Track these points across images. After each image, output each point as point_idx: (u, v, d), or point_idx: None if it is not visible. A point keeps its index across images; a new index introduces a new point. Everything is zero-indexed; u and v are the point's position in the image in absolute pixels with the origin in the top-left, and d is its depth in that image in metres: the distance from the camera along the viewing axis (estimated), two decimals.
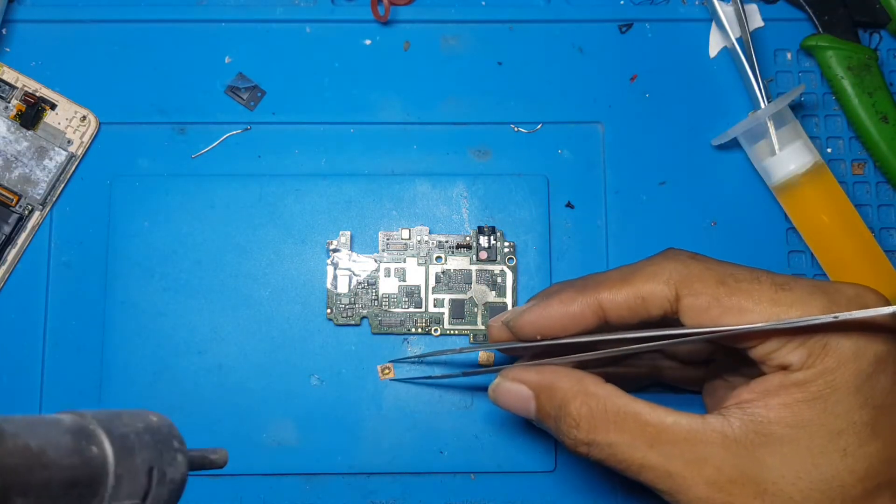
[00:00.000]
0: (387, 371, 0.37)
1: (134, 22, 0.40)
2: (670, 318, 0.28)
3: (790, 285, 0.26)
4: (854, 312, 0.24)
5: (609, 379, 0.35)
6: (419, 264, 0.38)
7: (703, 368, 0.35)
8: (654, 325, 0.28)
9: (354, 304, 0.38)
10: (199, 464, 0.22)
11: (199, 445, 0.37)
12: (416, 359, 0.37)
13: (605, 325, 0.29)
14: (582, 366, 0.30)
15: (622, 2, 0.41)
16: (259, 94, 0.40)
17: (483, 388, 0.37)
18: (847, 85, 0.39)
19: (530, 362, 0.31)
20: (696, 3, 0.41)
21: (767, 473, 0.25)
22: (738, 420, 0.26)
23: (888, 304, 0.26)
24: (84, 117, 0.39)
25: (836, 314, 0.24)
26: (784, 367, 0.26)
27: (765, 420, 0.26)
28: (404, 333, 0.38)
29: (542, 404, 0.29)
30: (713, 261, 0.28)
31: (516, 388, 0.30)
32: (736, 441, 0.26)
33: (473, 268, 0.38)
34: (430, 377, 0.37)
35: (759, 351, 0.26)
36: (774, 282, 0.26)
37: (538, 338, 0.30)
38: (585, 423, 0.28)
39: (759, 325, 0.25)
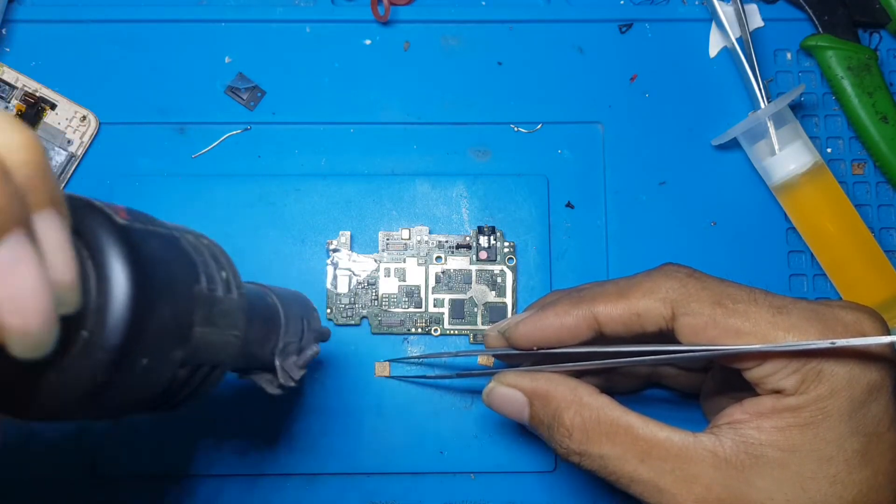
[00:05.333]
0: (382, 369, 0.37)
1: (134, 22, 0.40)
2: (666, 333, 0.28)
3: (787, 309, 0.26)
4: (851, 340, 0.24)
5: (608, 382, 0.35)
6: (419, 264, 0.38)
7: (701, 374, 0.35)
8: (649, 338, 0.28)
9: (354, 304, 0.38)
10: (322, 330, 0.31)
11: (197, 444, 0.38)
12: (416, 360, 0.37)
13: (601, 337, 0.29)
14: (579, 373, 0.31)
15: (622, 2, 0.41)
16: (259, 94, 0.40)
17: (483, 390, 0.37)
18: (847, 85, 0.39)
19: (526, 368, 0.31)
20: (696, 3, 0.41)
21: (756, 495, 0.25)
22: (730, 440, 0.26)
23: (886, 330, 0.26)
24: (84, 117, 0.39)
25: (834, 341, 0.24)
26: (778, 391, 0.26)
27: (756, 442, 0.26)
28: (404, 333, 0.38)
29: (536, 411, 0.29)
30: (710, 279, 0.28)
31: (511, 393, 0.30)
32: (727, 461, 0.26)
33: (473, 268, 0.38)
34: (424, 377, 0.37)
35: (754, 373, 0.26)
36: (772, 304, 0.26)
37: (534, 348, 0.30)
38: (578, 433, 0.28)
39: (756, 346, 0.25)
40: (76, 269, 0.16)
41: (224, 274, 0.22)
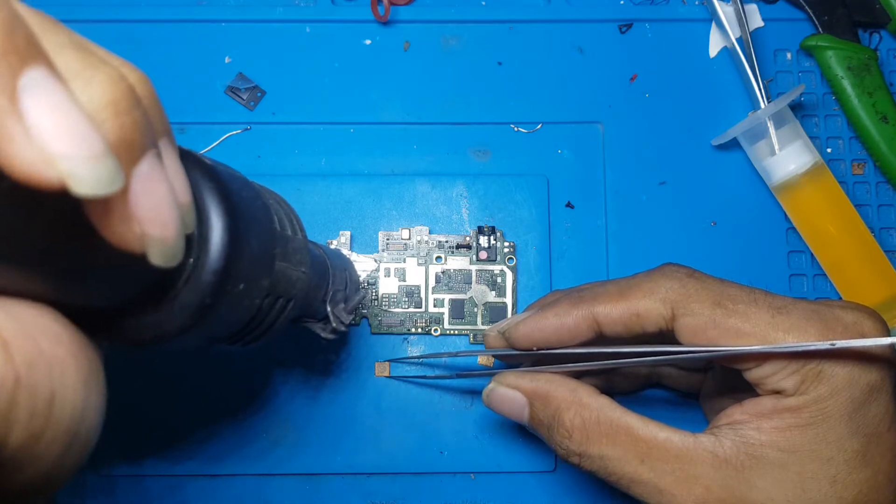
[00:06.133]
0: (382, 369, 0.37)
1: (134, 22, 0.40)
2: (666, 333, 0.28)
3: (787, 309, 0.26)
4: (851, 341, 0.24)
5: (608, 382, 0.35)
6: (419, 264, 0.38)
7: (701, 374, 0.35)
8: (649, 338, 0.28)
9: None
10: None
11: (198, 444, 0.38)
12: (416, 360, 0.37)
13: (601, 337, 0.29)
14: (578, 373, 0.31)
15: (622, 2, 0.41)
16: (259, 94, 0.40)
17: (482, 390, 0.37)
18: (847, 85, 0.39)
19: (526, 368, 0.31)
20: (696, 3, 0.41)
21: (756, 495, 0.26)
22: (730, 441, 0.26)
23: (886, 331, 0.26)
24: None
25: (834, 342, 0.24)
26: (778, 392, 0.26)
27: (756, 442, 0.26)
28: (404, 333, 0.38)
29: (536, 412, 0.29)
30: (710, 279, 0.28)
31: (511, 394, 0.30)
32: (727, 461, 0.26)
33: (473, 268, 0.38)
34: (424, 377, 0.37)
35: (754, 374, 0.26)
36: (772, 305, 0.26)
37: (534, 348, 0.30)
38: (578, 433, 0.28)
39: (756, 347, 0.25)
40: (190, 191, 0.18)
41: (289, 217, 0.25)
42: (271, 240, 0.22)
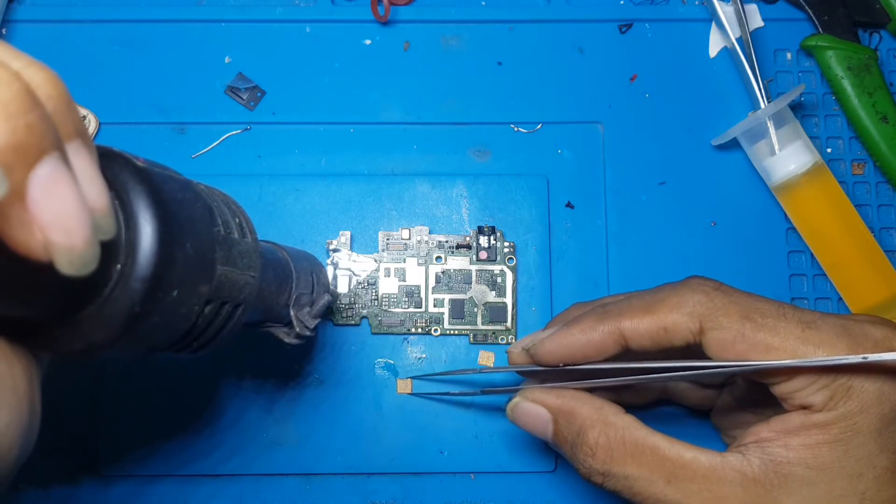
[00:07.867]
0: (405, 386, 0.37)
1: (134, 22, 0.40)
2: (693, 347, 0.28)
3: (817, 324, 0.26)
4: (884, 355, 0.24)
5: (619, 397, 0.35)
6: (419, 264, 0.38)
7: (714, 390, 0.35)
8: (675, 352, 0.28)
9: (354, 303, 0.38)
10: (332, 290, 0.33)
11: (198, 444, 0.38)
12: (437, 377, 0.37)
13: (626, 352, 0.29)
14: (593, 388, 0.30)
15: (622, 2, 0.41)
16: (259, 94, 0.40)
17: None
18: (847, 85, 0.39)
19: (548, 384, 0.31)
20: (696, 3, 0.41)
21: None
22: (758, 459, 0.26)
23: None
24: (84, 117, 0.39)
25: (866, 356, 0.24)
26: (806, 407, 0.26)
27: (784, 460, 0.25)
28: (404, 333, 0.38)
29: (560, 429, 0.29)
30: (738, 292, 0.27)
31: (535, 409, 0.30)
32: (755, 481, 0.25)
33: (473, 268, 0.38)
34: (448, 393, 0.37)
35: (782, 388, 0.26)
36: (801, 320, 0.26)
37: (560, 364, 0.30)
38: (602, 452, 0.27)
39: (786, 362, 0.25)
40: (107, 195, 0.17)
41: (237, 220, 0.24)
42: (211, 244, 0.21)
